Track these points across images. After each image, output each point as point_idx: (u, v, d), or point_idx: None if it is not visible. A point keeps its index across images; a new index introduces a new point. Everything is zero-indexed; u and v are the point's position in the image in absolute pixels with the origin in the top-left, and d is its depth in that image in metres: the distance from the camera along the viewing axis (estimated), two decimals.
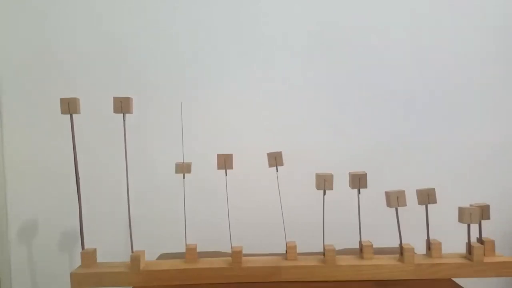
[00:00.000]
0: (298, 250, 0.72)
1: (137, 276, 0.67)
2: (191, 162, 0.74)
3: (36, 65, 1.03)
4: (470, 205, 0.69)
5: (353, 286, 0.67)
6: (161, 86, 1.05)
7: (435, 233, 0.72)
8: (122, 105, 0.68)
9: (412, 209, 0.67)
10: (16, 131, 1.04)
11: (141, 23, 1.04)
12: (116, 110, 0.68)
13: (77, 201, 0.70)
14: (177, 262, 0.71)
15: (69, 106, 0.67)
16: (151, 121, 1.04)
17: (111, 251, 0.83)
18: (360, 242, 0.72)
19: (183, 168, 0.73)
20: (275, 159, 0.72)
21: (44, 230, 1.06)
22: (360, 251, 0.72)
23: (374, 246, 0.71)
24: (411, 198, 0.68)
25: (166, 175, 1.03)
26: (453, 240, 0.70)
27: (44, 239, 1.06)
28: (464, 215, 0.67)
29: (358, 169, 0.71)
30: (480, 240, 0.70)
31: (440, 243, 0.70)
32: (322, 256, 0.71)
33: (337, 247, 0.71)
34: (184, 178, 0.73)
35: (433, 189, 0.69)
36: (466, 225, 0.68)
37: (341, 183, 0.71)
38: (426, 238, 0.71)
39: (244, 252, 0.70)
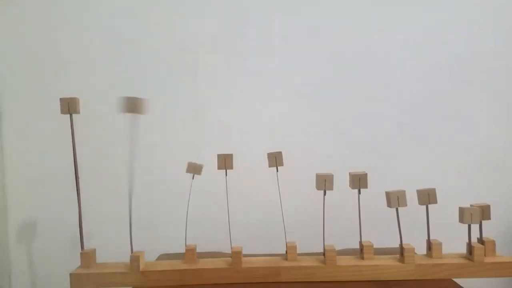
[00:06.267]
0: (298, 250, 0.71)
1: (137, 276, 0.67)
2: (203, 164, 0.73)
3: (36, 64, 1.03)
4: (471, 205, 0.69)
5: (354, 286, 0.66)
6: (161, 86, 1.04)
7: (436, 233, 0.72)
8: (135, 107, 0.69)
9: (412, 209, 0.67)
10: (16, 131, 1.04)
11: (144, 24, 1.04)
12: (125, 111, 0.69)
13: (77, 202, 0.70)
14: (177, 262, 0.71)
15: (69, 106, 0.67)
16: (150, 122, 1.04)
17: (111, 252, 0.83)
18: (360, 242, 0.72)
19: (195, 169, 0.73)
20: (275, 159, 0.71)
21: (43, 230, 1.06)
22: (361, 251, 0.71)
23: (374, 247, 0.70)
24: (412, 198, 0.68)
25: (166, 175, 1.03)
26: (454, 241, 0.70)
27: (43, 239, 1.06)
28: (465, 215, 0.67)
29: (358, 169, 0.71)
30: (480, 240, 0.70)
31: (440, 243, 0.70)
32: (322, 257, 0.70)
33: (337, 247, 0.71)
34: (193, 178, 0.73)
35: (434, 189, 0.69)
36: (466, 225, 0.68)
37: (341, 183, 0.70)
38: (426, 238, 0.71)
39: (244, 252, 0.69)
